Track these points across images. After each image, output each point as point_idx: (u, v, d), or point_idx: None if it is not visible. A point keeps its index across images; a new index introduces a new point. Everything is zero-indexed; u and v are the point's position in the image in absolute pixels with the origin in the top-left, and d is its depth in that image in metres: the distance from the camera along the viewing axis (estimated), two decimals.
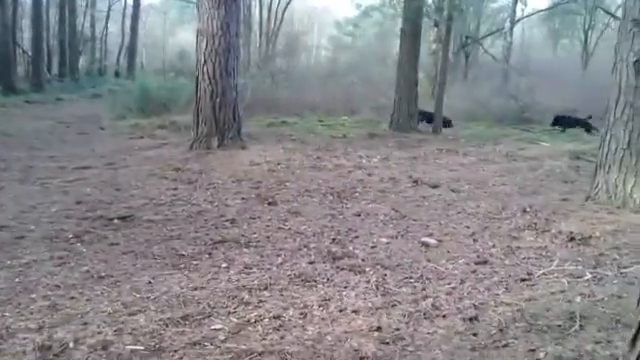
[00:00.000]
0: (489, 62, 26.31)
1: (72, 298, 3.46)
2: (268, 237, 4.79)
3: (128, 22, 33.67)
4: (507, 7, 29.59)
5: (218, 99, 8.24)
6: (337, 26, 48.33)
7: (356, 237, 4.83)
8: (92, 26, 32.40)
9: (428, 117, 12.64)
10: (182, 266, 4.09)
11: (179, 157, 7.99)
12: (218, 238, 4.73)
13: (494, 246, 4.61)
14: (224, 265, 4.11)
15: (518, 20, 26.53)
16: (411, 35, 10.98)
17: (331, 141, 9.79)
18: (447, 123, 12.45)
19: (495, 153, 9.26)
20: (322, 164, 7.74)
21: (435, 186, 6.72)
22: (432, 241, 4.73)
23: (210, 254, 4.37)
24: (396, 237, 4.85)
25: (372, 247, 4.58)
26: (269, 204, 5.82)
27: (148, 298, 3.49)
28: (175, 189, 6.36)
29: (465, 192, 6.50)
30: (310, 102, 15.15)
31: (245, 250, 4.46)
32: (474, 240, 4.79)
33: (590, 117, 13.02)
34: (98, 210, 5.47)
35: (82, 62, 31.11)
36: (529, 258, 4.32)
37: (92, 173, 7.19)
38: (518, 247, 4.57)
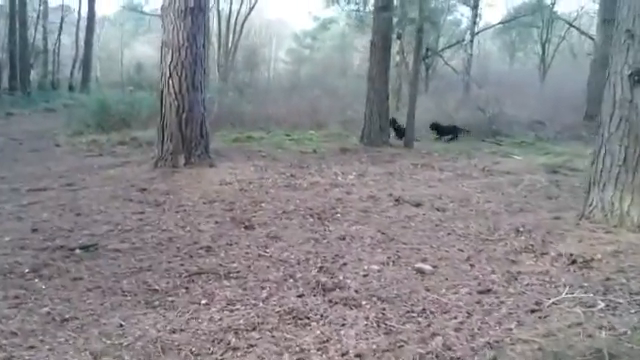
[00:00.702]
0: (449, 74, 26.53)
1: (31, 347, 3.02)
2: (249, 266, 4.38)
3: (82, 34, 32.66)
4: (460, 20, 30.01)
5: (184, 114, 7.77)
6: (295, 39, 48.31)
7: (344, 264, 4.47)
8: (44, 38, 31.23)
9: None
10: (156, 303, 3.66)
11: (143, 176, 7.47)
12: (194, 269, 4.30)
13: (493, 272, 4.32)
14: (204, 301, 3.70)
15: (478, 32, 26.80)
16: (381, 48, 10.74)
17: (302, 157, 9.42)
18: (401, 132, 12.34)
19: (471, 168, 9.05)
20: (297, 182, 7.35)
21: (418, 204, 6.42)
22: (427, 267, 4.40)
23: (187, 288, 3.93)
24: (387, 263, 4.51)
25: (364, 275, 4.22)
26: (246, 228, 5.40)
27: (121, 345, 3.06)
28: (142, 213, 5.87)
29: (450, 211, 6.22)
30: (275, 116, 14.78)
31: (225, 282, 4.05)
32: (471, 265, 4.48)
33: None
34: (57, 239, 4.95)
35: (34, 75, 29.93)
36: (533, 285, 4.04)
37: (49, 196, 6.61)
38: (519, 272, 4.28)
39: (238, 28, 30.66)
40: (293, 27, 49.91)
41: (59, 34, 32.47)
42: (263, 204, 6.25)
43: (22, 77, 26.67)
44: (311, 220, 5.71)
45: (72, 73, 32.36)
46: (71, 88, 30.40)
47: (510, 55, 40.26)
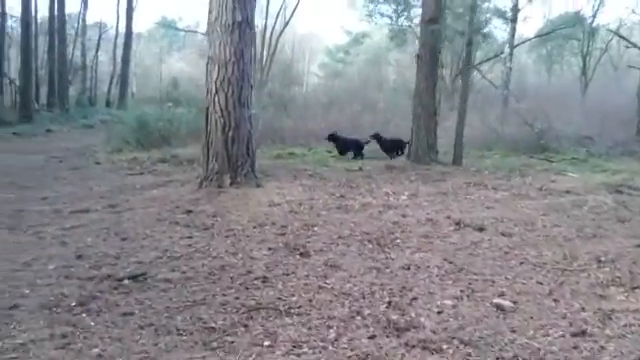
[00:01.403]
0: (485, 88, 25.91)
1: None
2: (310, 300, 4.02)
3: (119, 51, 33.04)
4: (494, 33, 29.27)
5: (231, 132, 7.48)
6: (328, 53, 48.14)
7: (414, 299, 4.07)
8: (82, 55, 31.64)
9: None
10: (215, 344, 3.32)
11: (188, 197, 7.19)
12: (251, 303, 3.95)
13: (583, 309, 3.87)
14: (267, 342, 3.35)
15: (517, 45, 26.16)
16: (429, 62, 10.34)
17: (349, 175, 9.04)
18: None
19: (527, 187, 8.55)
20: (348, 203, 6.98)
21: (481, 229, 5.98)
22: (506, 303, 3.98)
23: (246, 326, 3.59)
24: (461, 298, 4.10)
25: (438, 312, 3.82)
26: (301, 255, 5.04)
27: None
28: (190, 237, 5.57)
29: (517, 236, 5.77)
30: (315, 131, 14.47)
31: (287, 320, 3.69)
32: (555, 301, 4.05)
33: (368, 142, 12.24)
34: (104, 267, 4.67)
35: (72, 92, 30.31)
36: (632, 325, 3.59)
37: (92, 218, 6.37)
38: (612, 310, 3.83)
39: (273, 43, 30.54)
40: (326, 41, 49.79)
41: (97, 51, 32.88)
42: (316, 228, 5.89)
43: (60, 94, 27.00)
44: (370, 246, 5.32)
45: (109, 89, 32.68)
46: (108, 104, 30.70)
47: (547, 68, 39.33)
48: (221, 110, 7.47)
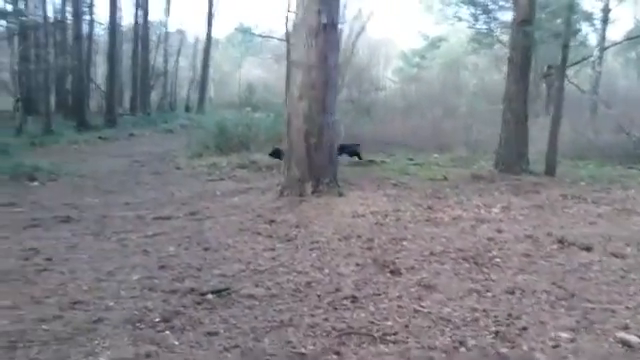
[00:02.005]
0: (570, 93, 24.53)
1: None
2: (406, 326, 3.65)
3: (199, 57, 33.83)
4: (584, 36, 27.71)
5: (314, 139, 7.22)
6: (403, 57, 47.45)
7: (524, 328, 3.62)
8: (164, 61, 32.61)
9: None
10: None
11: (269, 205, 6.99)
12: (342, 326, 3.63)
13: None
14: None
15: (607, 47, 24.69)
16: (520, 65, 9.71)
17: (434, 185, 8.58)
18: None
19: (631, 201, 7.82)
20: (437, 216, 6.55)
21: (588, 248, 5.41)
22: (634, 339, 3.46)
23: (338, 353, 3.28)
24: (578, 330, 3.61)
25: (553, 346, 3.37)
26: (391, 273, 4.67)
27: None
28: (272, 249, 5.32)
29: (631, 257, 5.16)
30: (394, 137, 14.07)
31: (383, 348, 3.35)
32: None
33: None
34: (186, 279, 4.49)
35: (153, 97, 31.30)
36: None
37: (174, 226, 6.27)
38: None
39: (349, 48, 30.34)
40: (400, 46, 49.11)
41: (177, 57, 33.81)
42: (405, 242, 5.51)
43: (143, 99, 27.91)
44: (466, 265, 4.89)
45: (189, 94, 33.52)
46: (187, 109, 31.48)
47: (639, 72, 37.01)
48: (304, 116, 7.22)
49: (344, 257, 5.07)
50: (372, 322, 3.71)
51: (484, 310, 3.91)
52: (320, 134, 7.24)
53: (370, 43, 44.46)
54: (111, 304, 3.94)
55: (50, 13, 24.19)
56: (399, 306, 3.98)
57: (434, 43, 41.48)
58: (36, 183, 9.11)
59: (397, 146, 13.48)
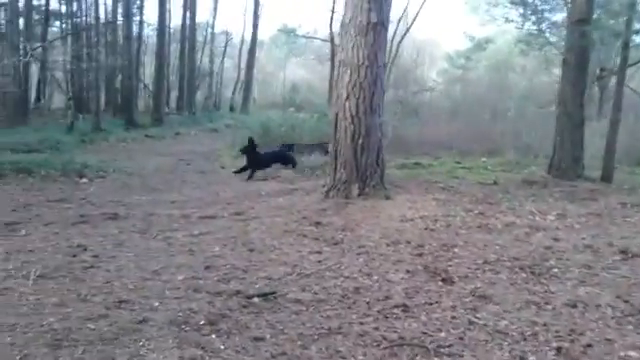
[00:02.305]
0: (627, 96, 23.64)
1: None
2: (461, 338, 3.46)
3: (244, 57, 34.08)
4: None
5: (360, 140, 7.07)
6: (447, 59, 46.76)
7: (588, 345, 3.38)
8: (210, 61, 32.99)
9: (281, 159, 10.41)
10: None
11: (315, 207, 6.86)
12: (393, 336, 3.46)
13: None
14: None
15: None
16: (576, 66, 9.32)
17: (484, 190, 8.31)
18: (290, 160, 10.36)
19: None
20: (488, 222, 6.29)
21: None
22: None
23: None
24: None
25: None
26: (443, 281, 4.48)
27: None
28: (319, 252, 5.19)
29: None
30: (440, 140, 13.77)
31: None
32: None
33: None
34: (232, 281, 4.40)
35: (198, 96, 31.70)
36: None
37: (219, 225, 6.21)
38: None
39: (394, 48, 30.06)
40: (444, 48, 48.39)
41: (223, 57, 34.16)
42: (456, 249, 5.30)
43: (189, 98, 28.25)
44: (523, 275, 4.65)
45: (233, 94, 33.80)
46: (232, 109, 31.75)
47: None
48: (351, 116, 7.07)
49: (393, 263, 4.90)
50: (425, 333, 3.53)
51: (544, 324, 3.68)
52: (367, 135, 7.08)
53: (414, 44, 44.03)
54: (156, 304, 3.87)
55: (102, 14, 24.76)
56: (453, 317, 3.79)
57: (480, 44, 40.68)
58: (85, 180, 9.26)
59: (442, 148, 13.18)
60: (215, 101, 33.19)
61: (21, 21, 21.37)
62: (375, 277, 4.55)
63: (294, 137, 12.48)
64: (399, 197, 7.21)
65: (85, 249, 5.20)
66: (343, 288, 4.29)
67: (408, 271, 4.69)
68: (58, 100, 29.20)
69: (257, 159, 9.95)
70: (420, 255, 5.12)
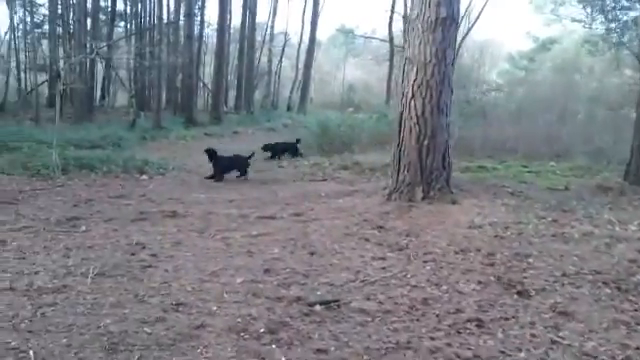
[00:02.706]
0: None
1: None
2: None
3: (302, 57, 34.06)
4: None
5: (426, 141, 6.74)
6: (509, 60, 45.44)
7: None
8: (269, 60, 33.13)
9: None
10: None
11: (376, 210, 6.59)
12: (467, 354, 3.21)
13: None
14: None
15: None
16: None
17: (557, 196, 7.80)
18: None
19: None
20: (564, 231, 5.85)
21: None
22: None
23: None
24: None
25: None
26: (519, 294, 4.14)
27: None
28: (383, 259, 4.94)
29: None
30: (503, 142, 13.22)
31: None
32: None
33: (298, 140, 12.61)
34: (292, 286, 4.21)
35: (256, 96, 31.88)
36: None
37: (278, 226, 6.04)
38: None
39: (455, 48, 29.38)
40: (506, 48, 47.05)
41: (281, 57, 34.25)
42: (530, 259, 4.92)
43: (247, 97, 28.43)
44: (607, 291, 4.25)
45: (291, 94, 33.81)
46: (289, 108, 31.76)
47: None
48: (417, 116, 6.76)
49: (463, 273, 4.58)
50: (503, 352, 3.24)
51: (636, 348, 3.32)
52: (433, 136, 6.75)
53: (475, 45, 43.01)
54: (214, 309, 3.72)
55: (164, 14, 25.21)
56: (532, 335, 3.47)
57: (544, 45, 39.34)
58: (145, 177, 9.30)
59: (507, 151, 12.64)
60: (273, 100, 33.31)
61: (88, 21, 21.96)
62: (444, 287, 4.26)
63: (353, 137, 12.22)
64: (466, 202, 6.83)
65: (144, 247, 5.14)
66: (411, 298, 4.02)
67: (480, 282, 4.37)
68: (122, 98, 29.96)
69: (219, 165, 10.05)
70: (492, 265, 4.78)
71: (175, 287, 4.10)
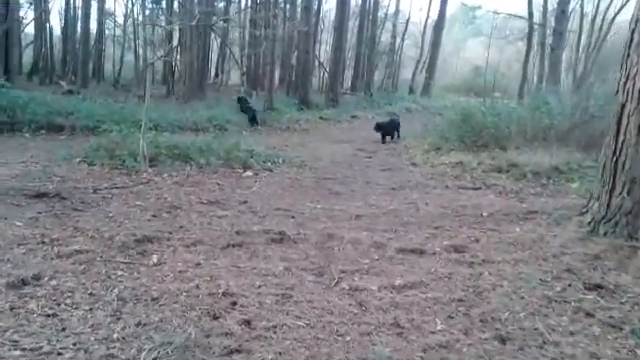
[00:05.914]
0: None
1: None
2: None
3: (427, 35, 31.47)
4: None
5: None
6: None
7: None
8: (393, 37, 30.77)
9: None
10: None
11: (578, 250, 4.33)
12: None
13: None
14: None
15: None
16: None
17: None
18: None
19: None
20: None
21: None
22: None
23: None
24: None
25: None
26: None
27: None
28: (630, 351, 2.80)
29: None
30: None
31: None
32: None
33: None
34: None
35: (376, 76, 29.81)
36: None
37: (431, 270, 4.01)
38: None
39: (604, 28, 25.51)
40: None
41: (403, 35, 31.78)
42: None
43: (367, 78, 26.46)
44: None
45: (414, 75, 31.26)
46: (411, 91, 29.26)
47: None
48: None
49: None
50: None
51: None
52: None
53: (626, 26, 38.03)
54: None
55: None
56: None
57: None
58: (249, 173, 7.57)
59: None
60: (393, 82, 30.97)
61: None
62: None
63: (503, 130, 9.79)
64: None
65: (234, 303, 3.34)
66: None
67: None
68: (234, 76, 29.07)
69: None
70: None
71: None
